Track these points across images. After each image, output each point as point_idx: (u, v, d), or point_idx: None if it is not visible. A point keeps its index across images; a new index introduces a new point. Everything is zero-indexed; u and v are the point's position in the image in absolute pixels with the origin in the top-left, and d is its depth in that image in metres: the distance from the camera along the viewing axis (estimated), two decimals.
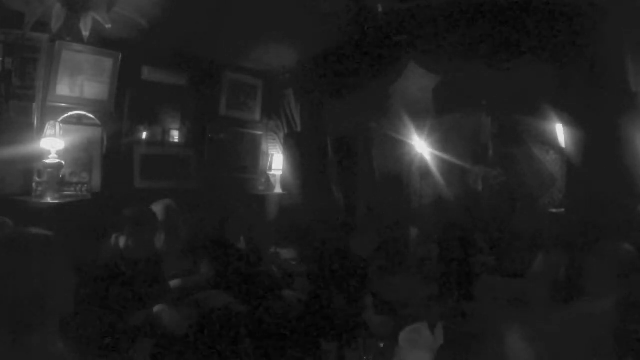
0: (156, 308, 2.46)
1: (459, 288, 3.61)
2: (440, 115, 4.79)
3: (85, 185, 3.34)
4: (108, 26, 2.52)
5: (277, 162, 4.88)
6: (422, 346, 2.07)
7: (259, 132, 4.81)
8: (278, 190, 4.87)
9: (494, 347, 1.82)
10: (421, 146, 5.22)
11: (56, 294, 1.30)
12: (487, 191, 4.82)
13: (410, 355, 2.07)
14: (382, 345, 2.33)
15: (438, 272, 3.91)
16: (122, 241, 2.60)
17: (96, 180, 3.51)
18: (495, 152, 4.88)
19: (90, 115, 3.45)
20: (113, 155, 3.62)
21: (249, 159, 4.74)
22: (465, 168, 4.85)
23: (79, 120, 3.40)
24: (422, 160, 5.31)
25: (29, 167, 3.08)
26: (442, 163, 5.02)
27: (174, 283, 2.95)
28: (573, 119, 3.15)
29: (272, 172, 4.87)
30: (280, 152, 4.93)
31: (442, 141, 5.03)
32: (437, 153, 5.07)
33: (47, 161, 3.00)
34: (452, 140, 4.97)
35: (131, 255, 2.58)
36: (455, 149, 4.92)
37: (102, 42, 3.27)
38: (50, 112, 3.21)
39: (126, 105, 3.73)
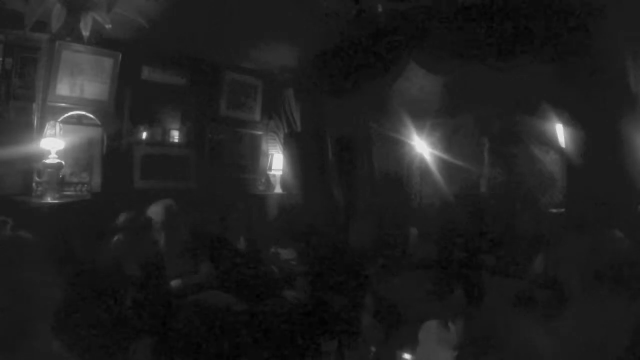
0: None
1: (462, 288, 3.60)
2: (446, 115, 4.79)
3: (85, 185, 3.34)
4: (108, 26, 2.53)
5: (277, 162, 4.88)
6: (441, 343, 2.06)
7: (259, 132, 4.81)
8: (278, 190, 4.87)
9: (497, 347, 1.82)
10: (421, 146, 5.22)
11: (49, 297, 1.30)
12: (488, 191, 4.82)
13: (433, 355, 2.06)
14: (373, 349, 2.34)
15: (439, 273, 3.90)
16: (119, 245, 2.59)
17: (96, 180, 3.51)
18: (495, 152, 4.88)
19: (90, 115, 3.45)
20: (113, 155, 3.62)
21: (249, 159, 4.74)
22: (470, 169, 4.82)
23: (79, 120, 3.41)
24: (422, 160, 5.31)
25: (29, 167, 3.08)
26: (444, 163, 5.01)
27: (174, 283, 2.95)
28: (573, 119, 3.15)
29: (272, 172, 4.88)
30: (280, 152, 4.93)
31: (445, 141, 5.02)
32: (439, 153, 5.06)
33: (47, 161, 3.00)
34: (455, 141, 4.96)
35: (129, 258, 2.57)
36: (458, 149, 4.91)
37: (102, 42, 3.27)
38: (50, 112, 3.21)
39: (126, 105, 3.73)
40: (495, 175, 4.84)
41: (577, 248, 1.79)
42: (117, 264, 2.54)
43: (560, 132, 3.87)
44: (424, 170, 5.32)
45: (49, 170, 3.01)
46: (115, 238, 2.64)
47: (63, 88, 3.31)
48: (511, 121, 4.72)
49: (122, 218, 2.66)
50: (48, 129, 3.02)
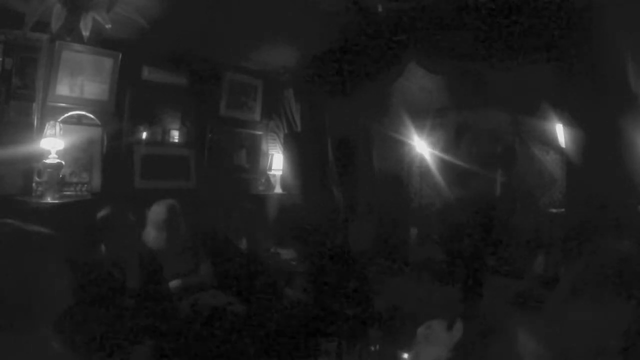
0: None
1: (463, 288, 3.61)
2: (444, 114, 4.78)
3: (85, 185, 3.34)
4: (108, 26, 2.53)
5: (277, 162, 4.88)
6: (435, 343, 2.06)
7: (259, 132, 4.81)
8: (278, 190, 4.87)
9: (499, 347, 1.82)
10: (421, 146, 5.21)
11: (52, 291, 1.31)
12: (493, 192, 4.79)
13: (424, 353, 2.07)
14: (372, 349, 2.34)
15: (440, 272, 3.91)
16: (103, 245, 2.57)
17: (96, 180, 3.51)
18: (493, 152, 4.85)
19: (90, 115, 3.45)
20: (113, 155, 3.61)
21: (249, 159, 4.74)
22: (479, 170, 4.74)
23: (79, 120, 3.40)
24: (422, 160, 5.31)
25: (29, 167, 3.08)
26: (447, 164, 4.98)
27: (174, 283, 2.95)
28: (573, 119, 3.15)
29: (272, 172, 4.87)
30: (280, 152, 4.93)
31: (450, 141, 4.99)
32: (439, 153, 5.05)
33: (47, 161, 3.00)
34: (463, 141, 4.91)
35: (114, 258, 2.55)
36: (468, 150, 4.86)
37: (102, 42, 3.28)
38: (50, 112, 3.21)
39: (126, 105, 3.73)
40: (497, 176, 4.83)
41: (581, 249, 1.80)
42: (113, 265, 2.54)
43: (560, 132, 3.87)
44: (424, 170, 5.32)
45: (49, 170, 3.01)
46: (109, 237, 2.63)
47: (63, 88, 3.31)
48: (511, 121, 4.71)
49: (108, 217, 2.63)
50: (48, 129, 3.02)
